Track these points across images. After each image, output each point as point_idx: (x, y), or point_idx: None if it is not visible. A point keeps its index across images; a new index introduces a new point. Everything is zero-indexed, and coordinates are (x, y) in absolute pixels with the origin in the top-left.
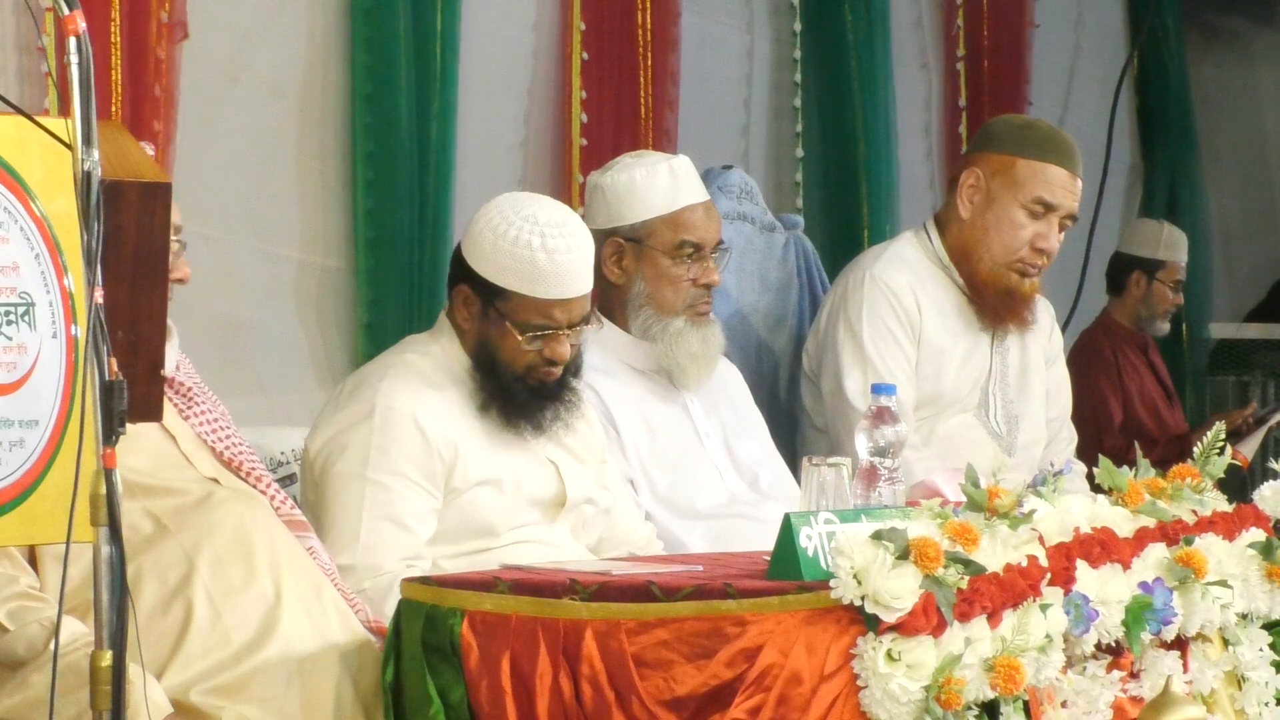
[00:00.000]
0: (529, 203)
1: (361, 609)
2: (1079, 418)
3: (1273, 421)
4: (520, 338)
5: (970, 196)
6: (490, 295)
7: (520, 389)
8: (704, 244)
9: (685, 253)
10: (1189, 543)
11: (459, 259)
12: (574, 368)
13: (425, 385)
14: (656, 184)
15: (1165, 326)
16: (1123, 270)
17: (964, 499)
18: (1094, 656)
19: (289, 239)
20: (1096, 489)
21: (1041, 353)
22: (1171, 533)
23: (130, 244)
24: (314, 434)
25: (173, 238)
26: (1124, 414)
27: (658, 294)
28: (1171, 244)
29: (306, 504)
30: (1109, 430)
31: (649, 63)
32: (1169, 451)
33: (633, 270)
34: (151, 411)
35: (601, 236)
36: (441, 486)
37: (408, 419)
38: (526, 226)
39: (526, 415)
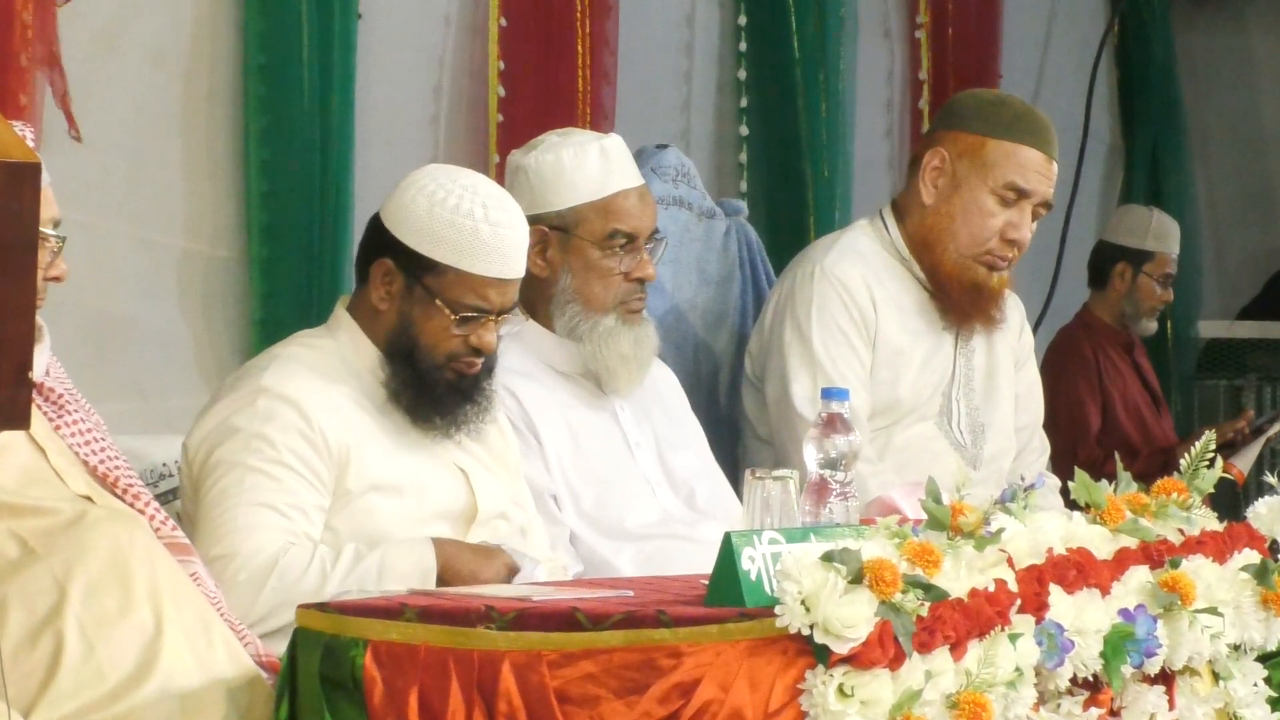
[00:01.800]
0: (465, 173)
1: (251, 641)
2: (1053, 425)
3: (1271, 432)
4: (451, 318)
5: (934, 180)
6: (418, 270)
7: (438, 380)
8: (638, 234)
9: (617, 243)
10: (1175, 565)
11: (380, 230)
12: (489, 366)
13: (315, 378)
14: (586, 166)
15: (1151, 325)
16: (1107, 261)
17: (924, 516)
18: (1069, 692)
19: (172, 225)
20: (1072, 505)
21: (1010, 354)
22: (1156, 554)
23: None
24: (193, 430)
25: (52, 232)
26: (1103, 421)
27: (586, 289)
28: (1161, 233)
29: (186, 515)
30: (1085, 440)
31: (587, 29)
32: (1152, 464)
33: (558, 262)
34: (17, 419)
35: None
36: (330, 486)
37: (292, 409)
38: (468, 195)
39: (440, 409)
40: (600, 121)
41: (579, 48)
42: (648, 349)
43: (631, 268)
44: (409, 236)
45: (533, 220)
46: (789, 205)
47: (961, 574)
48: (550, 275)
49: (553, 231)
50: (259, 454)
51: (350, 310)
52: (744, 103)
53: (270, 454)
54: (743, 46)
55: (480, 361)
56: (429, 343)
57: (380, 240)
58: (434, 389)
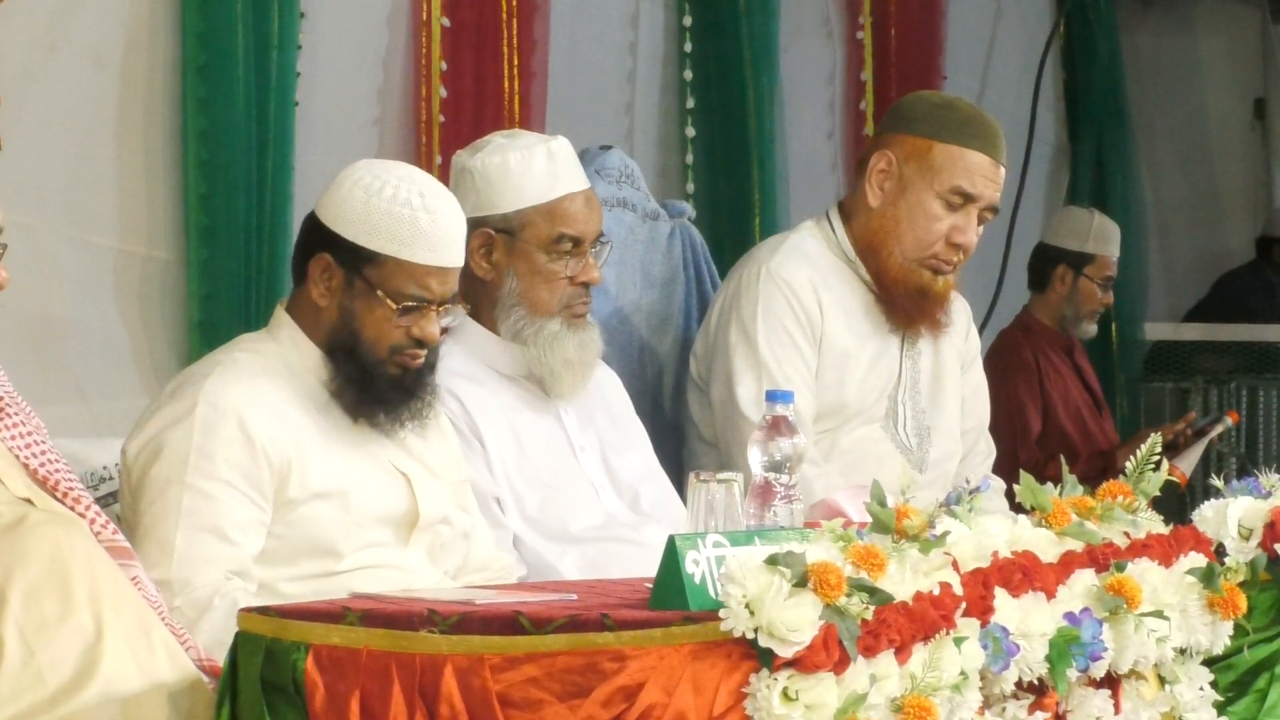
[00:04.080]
0: (400, 166)
1: (193, 646)
2: (994, 428)
3: (1213, 434)
4: (392, 308)
5: (880, 183)
6: (358, 263)
7: (382, 374)
8: (584, 237)
9: (563, 248)
10: (1121, 569)
11: (316, 226)
12: (431, 362)
13: (256, 384)
14: (533, 169)
15: (1092, 329)
16: (1047, 263)
17: (869, 519)
18: (1015, 696)
19: (111, 227)
20: (1017, 508)
21: (957, 357)
22: (1101, 557)
23: None
24: (132, 436)
25: None
26: (1044, 424)
27: (531, 292)
28: (1102, 236)
29: (126, 520)
30: (1026, 443)
31: (514, 29)
32: (1092, 466)
33: (503, 265)
34: None
35: (469, 226)
36: (271, 498)
37: (233, 420)
38: (404, 185)
39: (383, 405)
40: (530, 120)
41: (504, 49)
42: (591, 353)
43: (577, 272)
44: (347, 229)
45: (478, 223)
46: (735, 207)
47: (906, 577)
48: (495, 278)
49: (498, 234)
50: (198, 470)
51: (290, 311)
52: (690, 104)
53: (208, 469)
54: (688, 47)
55: (423, 354)
56: (371, 336)
57: (317, 236)
58: (377, 384)
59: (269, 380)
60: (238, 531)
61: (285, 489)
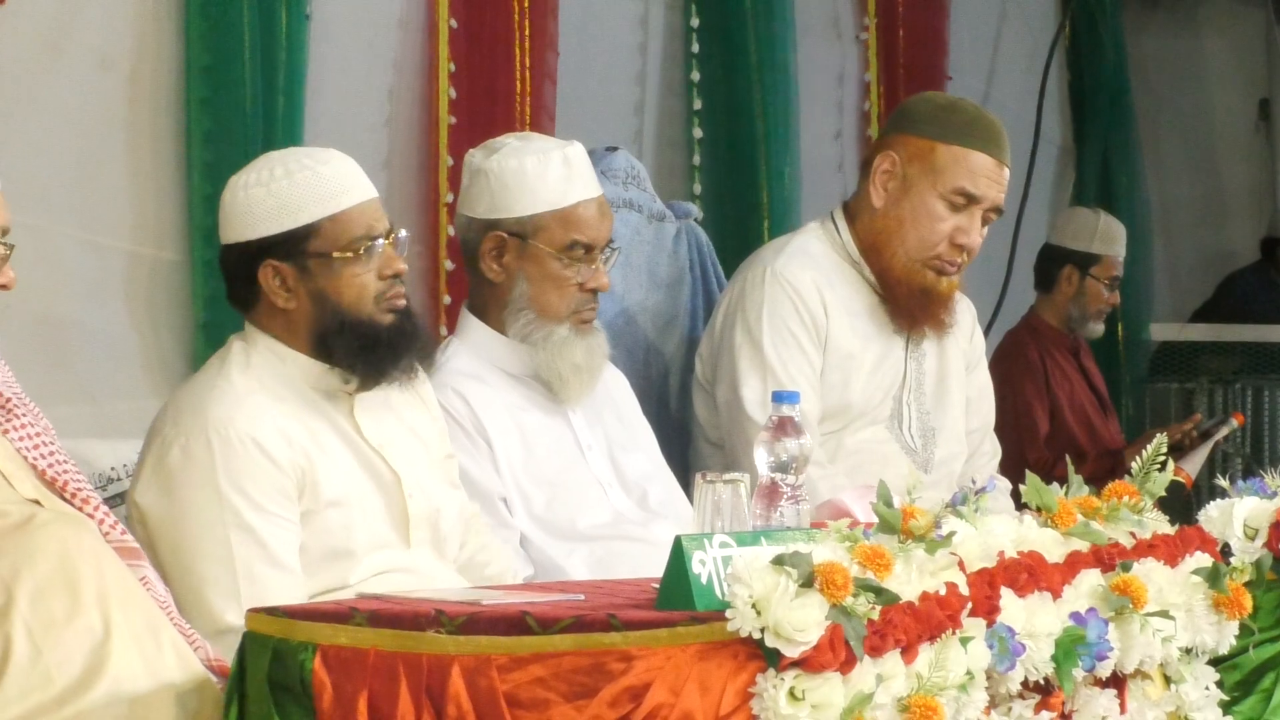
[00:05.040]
0: (256, 160)
1: (201, 646)
2: (1001, 429)
3: (1219, 435)
4: (351, 259)
5: (884, 183)
6: (299, 246)
7: (379, 327)
8: (595, 244)
9: (575, 254)
10: (1126, 569)
11: (238, 249)
12: (409, 303)
13: (255, 402)
14: (549, 175)
15: (1098, 328)
16: (1053, 264)
17: (875, 520)
18: (1021, 695)
19: (117, 228)
20: (1023, 508)
21: (962, 357)
22: (1107, 557)
23: None
24: (140, 484)
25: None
26: (1051, 425)
27: (541, 297)
28: (1108, 236)
29: (156, 566)
30: (1034, 443)
31: (525, 31)
32: (1099, 467)
33: (514, 269)
34: None
35: (482, 228)
36: (298, 510)
37: (249, 445)
38: (287, 159)
39: (394, 357)
40: (543, 122)
41: (516, 50)
42: (599, 359)
43: (587, 278)
44: (269, 227)
45: (490, 225)
46: (742, 207)
47: (913, 577)
48: (505, 281)
49: (511, 238)
50: (236, 510)
51: (256, 327)
52: (697, 105)
53: (246, 504)
54: (695, 48)
55: (403, 290)
56: (351, 298)
57: (245, 258)
58: (381, 339)
59: (264, 395)
60: (290, 556)
61: (304, 500)
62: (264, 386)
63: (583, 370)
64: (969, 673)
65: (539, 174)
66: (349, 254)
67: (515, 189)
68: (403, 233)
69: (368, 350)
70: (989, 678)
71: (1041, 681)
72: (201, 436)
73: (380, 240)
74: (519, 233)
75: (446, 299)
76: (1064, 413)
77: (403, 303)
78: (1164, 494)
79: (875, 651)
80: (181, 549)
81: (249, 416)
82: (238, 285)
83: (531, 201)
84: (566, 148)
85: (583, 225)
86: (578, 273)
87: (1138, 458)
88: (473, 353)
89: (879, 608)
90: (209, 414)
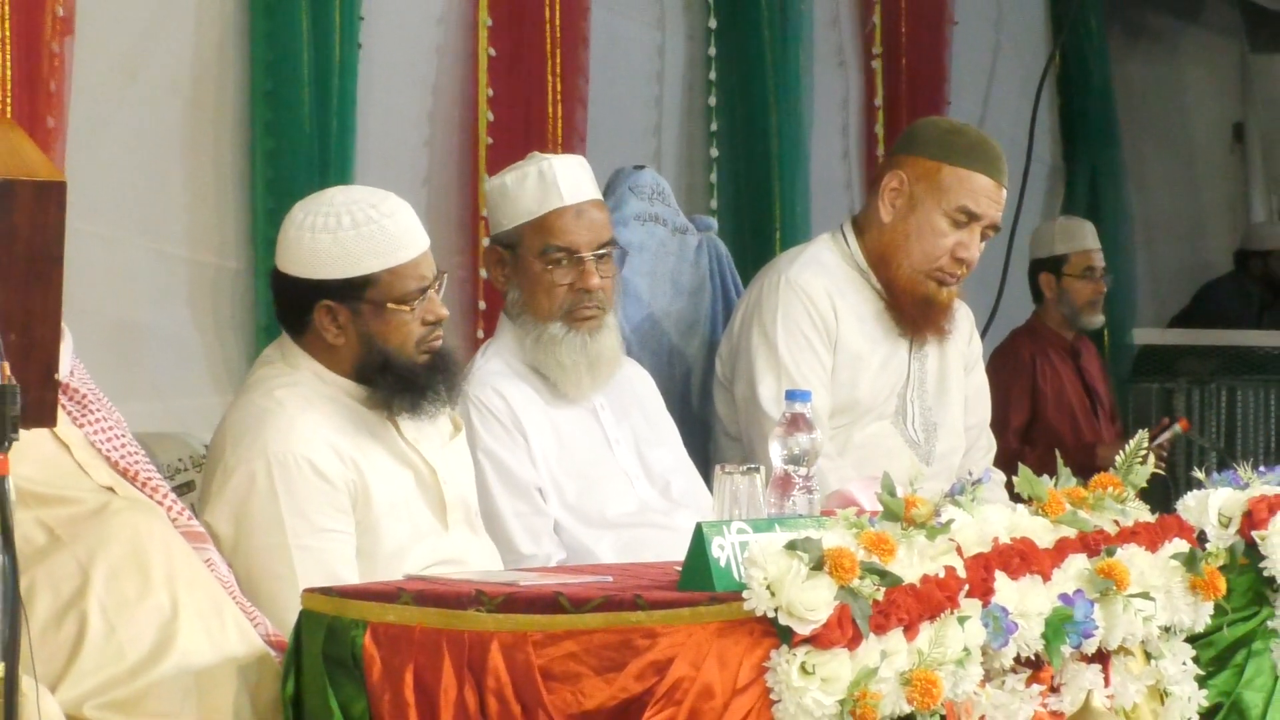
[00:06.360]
0: (332, 192)
1: (261, 622)
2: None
3: (1163, 439)
4: (406, 310)
5: (892, 200)
6: (357, 293)
7: (418, 368)
8: (575, 248)
9: (554, 258)
10: (1110, 554)
11: (295, 283)
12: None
13: (308, 421)
14: (525, 189)
15: (1096, 319)
16: (1034, 277)
17: (880, 508)
18: (1013, 670)
19: (185, 239)
20: (1016, 498)
21: (961, 359)
22: (1093, 543)
23: (23, 244)
24: (209, 506)
25: None
26: (1034, 419)
27: (532, 301)
28: (1066, 235)
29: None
30: (1004, 433)
31: (558, 59)
32: (1074, 461)
33: (511, 277)
34: (45, 417)
35: (489, 244)
36: (352, 520)
37: (304, 466)
38: (354, 207)
39: (429, 393)
40: (574, 143)
41: (549, 77)
42: (594, 354)
43: (575, 279)
44: (331, 271)
45: (491, 241)
46: (756, 221)
47: (914, 561)
48: (508, 289)
49: (504, 250)
50: (297, 531)
51: (300, 346)
52: (714, 127)
53: (306, 526)
54: (712, 75)
55: (441, 331)
56: (397, 343)
57: (301, 292)
58: (419, 379)
59: (314, 413)
60: (346, 566)
61: (358, 512)
62: (310, 404)
63: (568, 368)
64: (966, 649)
65: (517, 190)
66: (401, 306)
67: (501, 205)
68: (444, 278)
69: (404, 389)
70: (984, 653)
71: (1032, 657)
72: (262, 463)
73: (429, 290)
74: (508, 244)
75: (482, 304)
76: (1048, 407)
77: (439, 344)
78: (1145, 485)
79: (880, 629)
80: (251, 571)
81: (302, 438)
82: (290, 312)
83: (513, 215)
84: (542, 162)
85: (557, 231)
86: (563, 275)
87: (1121, 452)
88: (506, 355)
89: (883, 589)
90: (267, 440)
